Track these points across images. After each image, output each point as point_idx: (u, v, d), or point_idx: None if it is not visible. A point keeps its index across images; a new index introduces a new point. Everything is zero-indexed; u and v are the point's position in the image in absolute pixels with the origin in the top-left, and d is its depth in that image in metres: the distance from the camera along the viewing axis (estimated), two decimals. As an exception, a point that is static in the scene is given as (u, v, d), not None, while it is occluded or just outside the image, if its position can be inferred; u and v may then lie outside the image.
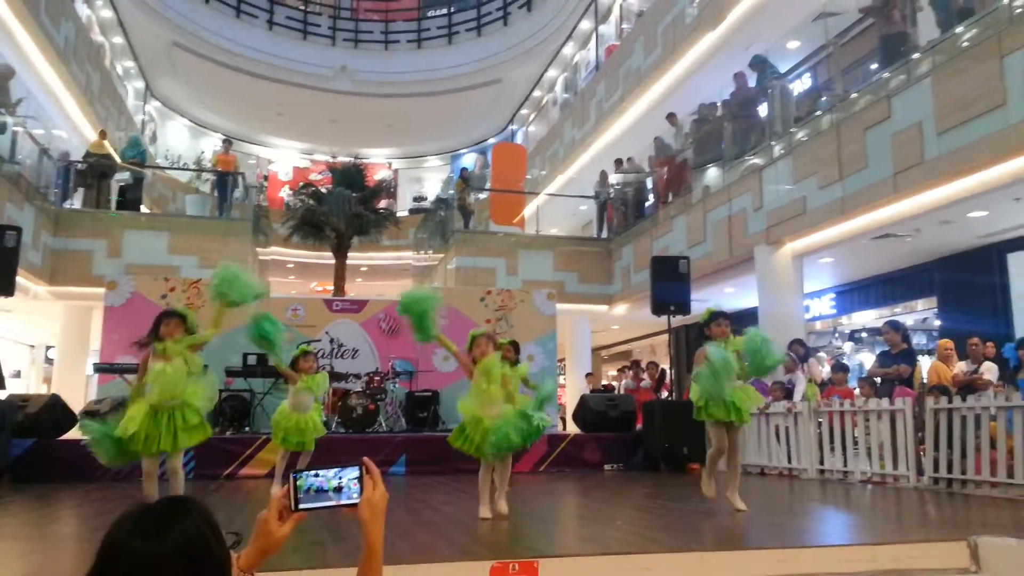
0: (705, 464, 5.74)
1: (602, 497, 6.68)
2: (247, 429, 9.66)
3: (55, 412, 8.45)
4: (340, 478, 1.56)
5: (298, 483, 1.54)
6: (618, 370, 17.06)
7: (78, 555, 3.74)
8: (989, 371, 7.40)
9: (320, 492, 1.55)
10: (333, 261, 15.30)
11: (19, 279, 9.15)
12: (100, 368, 10.31)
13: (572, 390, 16.06)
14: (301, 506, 1.54)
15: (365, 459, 1.61)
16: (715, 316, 5.57)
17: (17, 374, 18.96)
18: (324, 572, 3.20)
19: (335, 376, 10.27)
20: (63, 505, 6.16)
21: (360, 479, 1.56)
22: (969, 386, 7.26)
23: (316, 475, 1.56)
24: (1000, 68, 6.99)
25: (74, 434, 8.76)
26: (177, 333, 4.81)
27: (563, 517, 5.47)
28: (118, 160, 14.99)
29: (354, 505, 1.55)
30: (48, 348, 19.68)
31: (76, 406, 9.23)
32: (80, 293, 12.97)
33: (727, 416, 5.26)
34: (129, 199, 14.58)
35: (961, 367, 7.83)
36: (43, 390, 17.52)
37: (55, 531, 4.87)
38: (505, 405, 4.93)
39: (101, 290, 11.00)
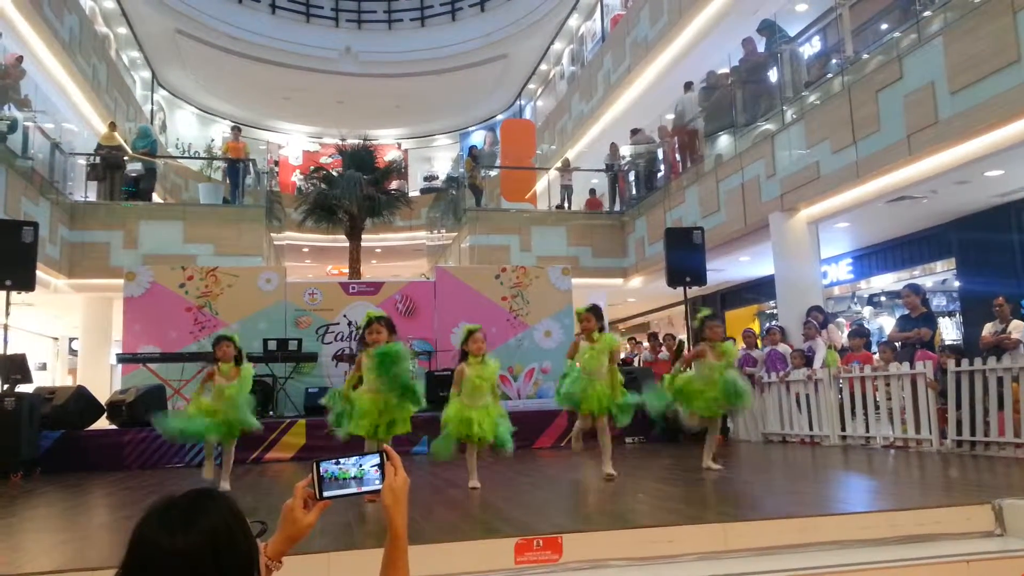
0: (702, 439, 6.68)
1: (623, 470, 6.70)
2: (271, 414, 9.76)
3: (81, 403, 8.58)
4: (361, 465, 1.58)
5: (321, 472, 1.57)
6: (628, 339, 17.06)
7: (110, 544, 3.81)
8: (1017, 329, 7.31)
9: (343, 480, 1.57)
10: (347, 244, 15.34)
11: (39, 273, 9.24)
12: (123, 358, 10.44)
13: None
14: (325, 494, 1.56)
15: (385, 446, 1.63)
16: (709, 319, 6.35)
17: (43, 367, 19.22)
18: (351, 554, 3.25)
19: (354, 358, 10.33)
20: (93, 495, 6.27)
21: (381, 466, 1.58)
22: (997, 346, 7.19)
23: (338, 463, 1.58)
24: (1013, 23, 6.86)
25: (101, 424, 8.90)
26: (230, 353, 5.97)
27: (585, 491, 5.50)
28: (129, 151, 15.05)
29: (376, 492, 1.58)
30: (71, 340, 19.92)
31: (101, 396, 9.36)
32: (99, 285, 13.10)
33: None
34: (142, 189, 14.65)
35: (988, 328, 7.75)
36: (68, 382, 17.77)
37: (87, 521, 4.96)
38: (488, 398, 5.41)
39: (120, 281, 11.10)
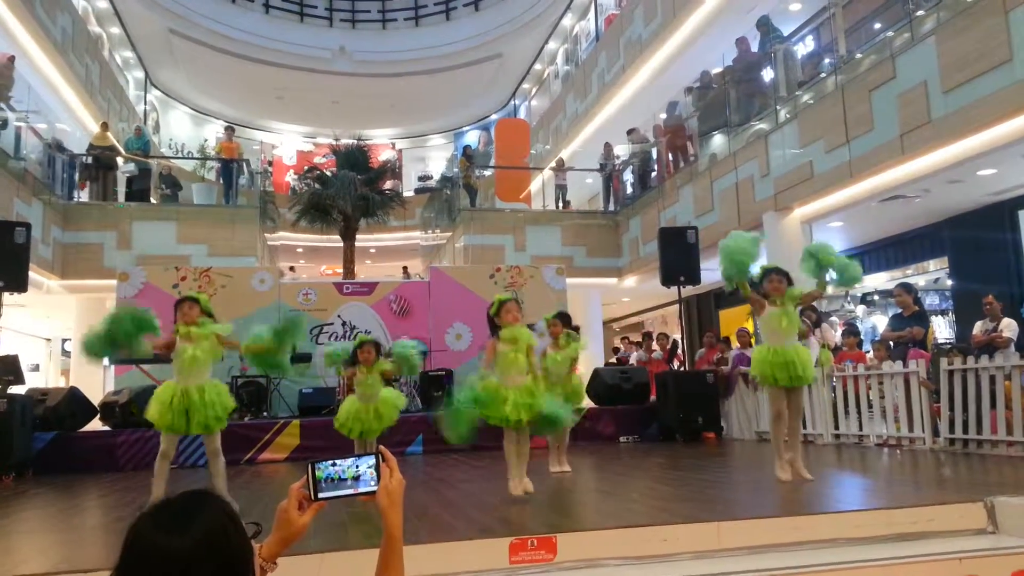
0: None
1: (618, 470, 6.73)
2: (265, 414, 9.75)
3: (74, 404, 8.56)
4: (357, 466, 1.58)
5: (316, 473, 1.56)
6: (621, 339, 17.09)
7: (104, 546, 3.80)
8: (1008, 328, 7.34)
9: (338, 481, 1.57)
10: (341, 244, 15.33)
11: (31, 274, 9.20)
12: (116, 359, 10.39)
13: (585, 364, 16.08)
14: (320, 495, 1.56)
15: (381, 447, 1.63)
16: (768, 272, 5.28)
17: (35, 368, 19.15)
18: (345, 555, 3.24)
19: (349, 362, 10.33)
20: (86, 496, 6.25)
21: (377, 467, 1.58)
22: (989, 345, 7.22)
23: (334, 464, 1.58)
24: (1005, 23, 6.89)
25: (94, 425, 8.88)
26: (194, 315, 4.87)
27: (580, 491, 5.51)
28: (122, 151, 15.01)
29: (372, 493, 1.58)
30: (64, 341, 19.85)
31: (95, 398, 9.32)
32: (92, 286, 13.06)
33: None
34: (136, 190, 14.62)
35: (978, 326, 7.79)
36: (61, 383, 17.70)
37: (80, 522, 4.95)
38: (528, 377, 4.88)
39: (113, 282, 11.06)
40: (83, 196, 14.02)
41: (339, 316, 11.21)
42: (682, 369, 12.00)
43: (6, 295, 8.25)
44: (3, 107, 11.68)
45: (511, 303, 5.05)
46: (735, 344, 10.60)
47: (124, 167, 14.80)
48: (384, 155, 24.56)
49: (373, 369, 6.05)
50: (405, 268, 19.68)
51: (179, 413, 4.64)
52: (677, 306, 11.27)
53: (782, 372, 5.03)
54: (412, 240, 21.40)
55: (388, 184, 17.44)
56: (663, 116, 15.06)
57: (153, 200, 15.27)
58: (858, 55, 9.65)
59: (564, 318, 6.45)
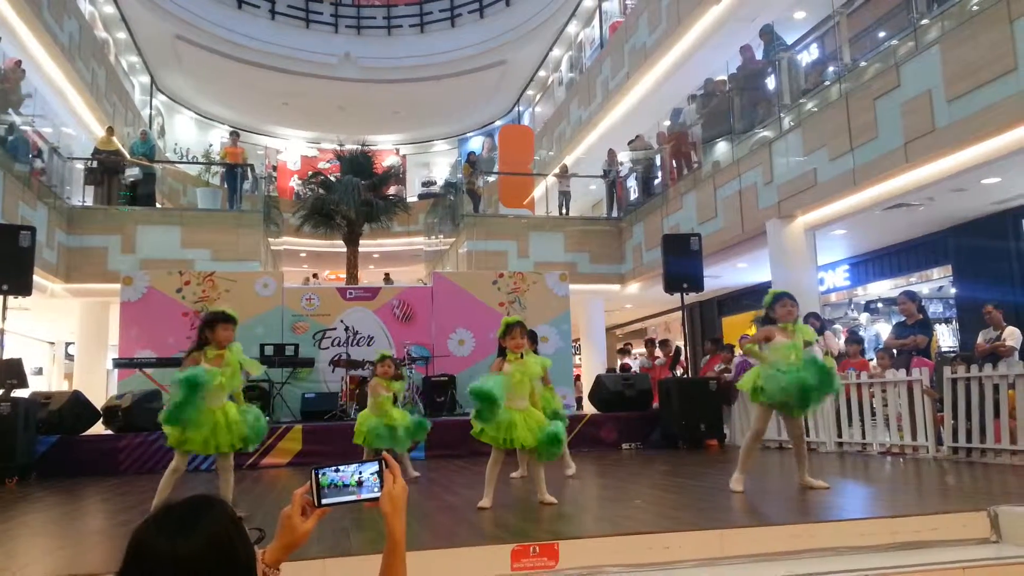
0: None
1: (621, 476, 6.71)
2: (267, 419, 9.74)
3: (77, 408, 8.57)
4: (360, 473, 1.59)
5: (320, 479, 1.57)
6: (619, 349, 17.10)
7: (106, 550, 3.80)
8: (1011, 336, 7.32)
9: (342, 487, 1.57)
10: (345, 249, 15.35)
11: (36, 278, 9.22)
12: (119, 363, 10.42)
13: (588, 370, 16.09)
14: (324, 502, 1.57)
15: (384, 454, 1.64)
16: (779, 297, 5.19)
17: (39, 371, 19.20)
18: (348, 560, 3.24)
19: (351, 364, 10.35)
20: (89, 500, 6.25)
21: (380, 473, 1.59)
22: (992, 353, 7.20)
23: (337, 471, 1.58)
24: (1010, 32, 6.89)
25: (97, 429, 8.89)
26: (230, 338, 4.71)
27: (582, 498, 5.50)
28: (127, 156, 15.06)
29: (375, 499, 1.58)
30: (68, 344, 19.90)
31: (98, 401, 9.34)
32: (96, 289, 13.10)
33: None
34: (140, 194, 14.66)
35: (982, 335, 7.77)
36: (64, 386, 17.73)
37: (83, 526, 4.95)
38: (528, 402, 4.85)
39: (117, 286, 11.10)
40: (87, 200, 14.07)
41: (342, 321, 11.22)
42: (685, 376, 11.97)
43: (10, 298, 8.27)
44: (10, 111, 11.73)
45: (517, 327, 4.91)
46: (738, 351, 10.58)
47: (129, 171, 14.85)
48: (388, 161, 24.61)
49: (391, 385, 6.63)
50: (387, 275, 19.75)
51: (213, 434, 4.57)
52: (680, 312, 11.26)
53: (784, 395, 4.96)
54: (415, 245, 21.44)
55: (392, 190, 17.49)
56: (667, 123, 15.08)
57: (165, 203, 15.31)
58: (862, 63, 9.65)
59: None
